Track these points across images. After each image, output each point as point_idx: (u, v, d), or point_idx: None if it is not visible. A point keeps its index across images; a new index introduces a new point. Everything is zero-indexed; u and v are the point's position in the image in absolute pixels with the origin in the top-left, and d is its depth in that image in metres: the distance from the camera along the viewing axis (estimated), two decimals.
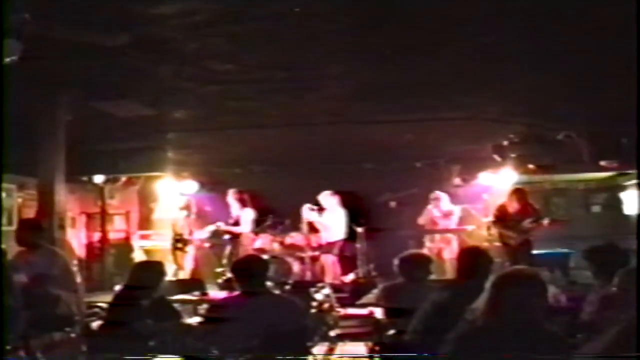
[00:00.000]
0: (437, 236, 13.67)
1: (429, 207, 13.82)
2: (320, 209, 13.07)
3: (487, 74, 8.32)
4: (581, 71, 8.00)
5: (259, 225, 13.36)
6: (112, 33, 6.35)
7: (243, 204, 13.50)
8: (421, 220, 13.82)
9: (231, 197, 13.59)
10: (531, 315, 3.78)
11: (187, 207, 13.80)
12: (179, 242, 13.35)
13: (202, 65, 7.78)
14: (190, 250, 13.41)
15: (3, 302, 5.64)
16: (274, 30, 6.64)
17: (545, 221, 11.26)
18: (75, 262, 9.12)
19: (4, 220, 11.44)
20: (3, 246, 7.94)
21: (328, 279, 12.03)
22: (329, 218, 13.11)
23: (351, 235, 13.14)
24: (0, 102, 6.02)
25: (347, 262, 13.24)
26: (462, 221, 13.91)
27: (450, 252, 13.18)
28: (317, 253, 13.03)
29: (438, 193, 13.82)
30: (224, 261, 12.81)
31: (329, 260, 12.99)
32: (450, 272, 12.11)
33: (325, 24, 6.52)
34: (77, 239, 13.95)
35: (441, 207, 13.75)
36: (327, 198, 13.21)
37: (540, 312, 3.82)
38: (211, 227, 13.56)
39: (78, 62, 7.10)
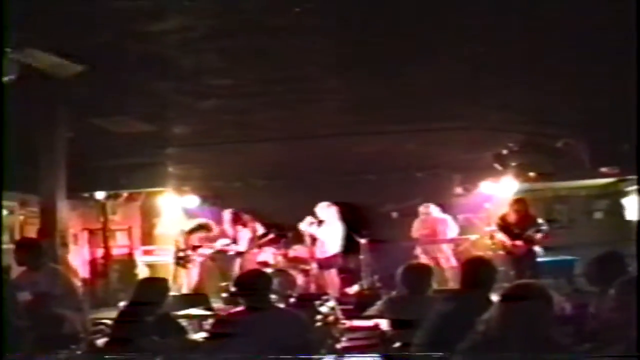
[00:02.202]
0: (441, 246, 13.63)
1: (421, 218, 13.82)
2: (320, 222, 12.96)
3: (486, 82, 8.31)
4: (580, 78, 7.99)
5: (260, 240, 13.42)
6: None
7: (239, 223, 13.58)
8: (415, 233, 13.80)
9: (227, 218, 13.72)
10: (540, 327, 3.79)
11: (206, 227, 13.77)
12: (182, 258, 13.32)
13: (200, 80, 7.78)
14: (195, 265, 13.37)
15: (3, 305, 5.63)
16: (269, 45, 6.65)
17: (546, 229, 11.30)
18: (79, 279, 9.06)
19: (6, 238, 11.44)
20: (5, 264, 7.95)
21: (332, 291, 11.98)
22: (326, 231, 12.94)
23: (353, 247, 13.08)
24: (1, 119, 6.02)
25: (347, 275, 13.22)
26: (464, 231, 13.90)
27: (447, 262, 13.22)
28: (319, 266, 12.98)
29: (427, 204, 13.82)
30: (229, 275, 12.80)
31: (332, 273, 12.93)
32: (450, 281, 12.12)
33: (321, 37, 6.53)
34: (80, 255, 13.93)
35: (433, 217, 13.77)
36: (325, 209, 13.04)
37: (549, 323, 3.84)
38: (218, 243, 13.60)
39: (76, 80, 7.07)
